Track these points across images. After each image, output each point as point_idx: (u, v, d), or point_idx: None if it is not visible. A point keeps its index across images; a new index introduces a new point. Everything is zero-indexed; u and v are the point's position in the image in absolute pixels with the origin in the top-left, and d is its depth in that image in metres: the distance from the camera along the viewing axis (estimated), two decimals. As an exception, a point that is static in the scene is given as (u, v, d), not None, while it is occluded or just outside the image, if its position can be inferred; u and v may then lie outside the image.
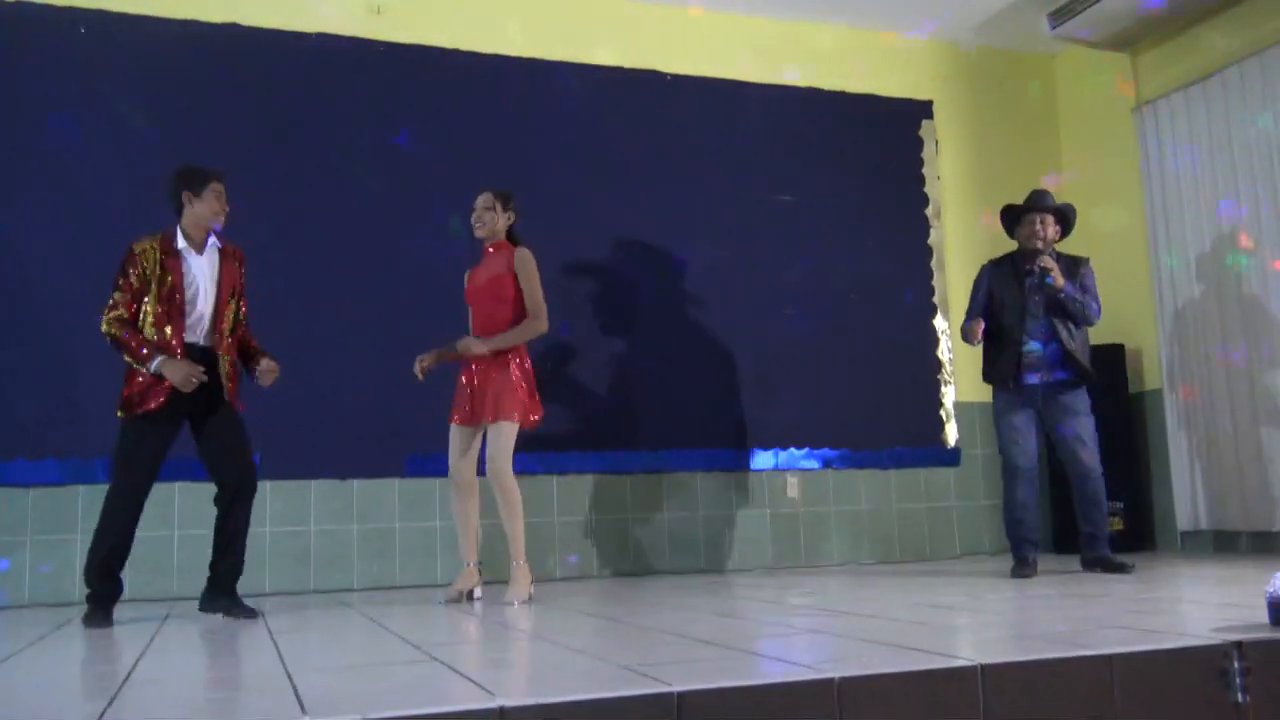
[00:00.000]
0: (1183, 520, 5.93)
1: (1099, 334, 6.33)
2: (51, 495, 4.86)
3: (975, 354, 6.50)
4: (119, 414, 3.89)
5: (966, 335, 4.70)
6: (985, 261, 5.02)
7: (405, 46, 5.65)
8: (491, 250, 4.39)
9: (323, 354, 5.24)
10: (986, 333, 4.73)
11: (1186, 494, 5.91)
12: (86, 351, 4.93)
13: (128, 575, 4.83)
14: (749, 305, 6.08)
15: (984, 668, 2.08)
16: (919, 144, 6.64)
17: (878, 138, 6.54)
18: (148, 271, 3.89)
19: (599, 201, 5.88)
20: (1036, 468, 4.73)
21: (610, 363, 5.78)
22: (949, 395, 6.44)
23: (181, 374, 3.80)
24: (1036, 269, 4.61)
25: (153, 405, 3.83)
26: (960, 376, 6.48)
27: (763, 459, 5.99)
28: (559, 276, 5.72)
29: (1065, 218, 4.83)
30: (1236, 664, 2.23)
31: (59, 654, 3.03)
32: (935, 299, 6.50)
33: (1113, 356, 6.18)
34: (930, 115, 6.70)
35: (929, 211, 6.59)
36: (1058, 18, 6.06)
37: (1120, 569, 4.49)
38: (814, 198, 6.32)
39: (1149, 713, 2.17)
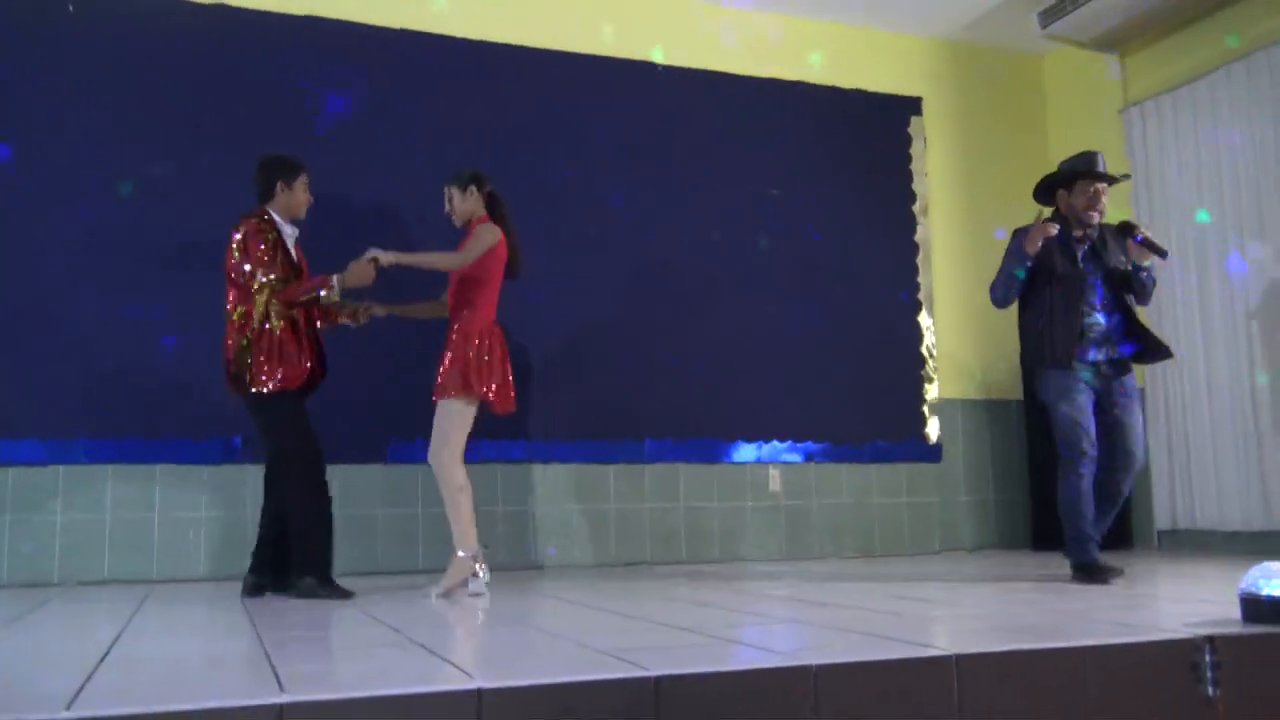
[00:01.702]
0: (1160, 519, 5.98)
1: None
2: (32, 475, 4.83)
3: (958, 350, 6.57)
4: (253, 391, 3.96)
5: (1012, 280, 4.20)
6: (1019, 228, 4.38)
7: (393, 31, 5.63)
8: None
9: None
10: (1032, 309, 4.24)
11: (1165, 494, 5.96)
12: (68, 331, 4.92)
13: (106, 558, 4.86)
14: (734, 298, 6.09)
15: (959, 657, 2.10)
16: (907, 140, 6.66)
17: (866, 133, 6.55)
18: (272, 242, 4.05)
19: (586, 191, 5.87)
20: (1095, 454, 4.14)
21: (594, 353, 5.78)
22: (931, 391, 6.47)
23: (362, 268, 3.97)
24: (1139, 237, 4.10)
25: (302, 377, 4.02)
26: (942, 373, 6.51)
27: (745, 451, 6.01)
28: (545, 266, 5.72)
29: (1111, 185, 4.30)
30: (1208, 658, 2.26)
31: (35, 633, 3.02)
32: (920, 295, 6.52)
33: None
34: (919, 112, 6.71)
35: (916, 208, 6.61)
36: (1048, 17, 6.08)
37: (1114, 573, 4.01)
38: (802, 192, 6.33)
39: (1122, 704, 2.19)
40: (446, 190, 4.34)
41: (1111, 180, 4.27)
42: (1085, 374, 4.16)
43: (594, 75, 5.98)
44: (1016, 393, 6.56)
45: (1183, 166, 5.95)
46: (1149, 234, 4.18)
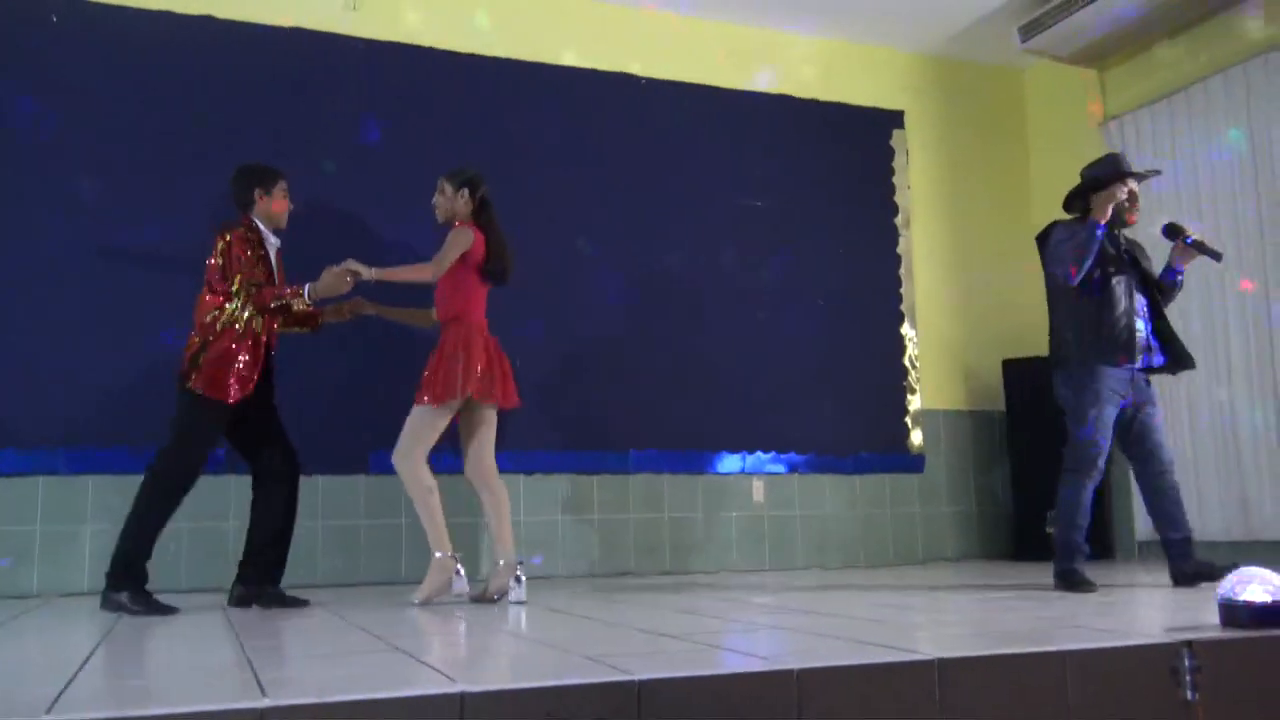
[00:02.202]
0: (1141, 531, 6.01)
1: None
2: (11, 485, 4.79)
3: (941, 361, 6.60)
4: (190, 387, 3.89)
5: (1084, 248, 4.04)
6: (1057, 221, 4.30)
7: (380, 43, 5.64)
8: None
9: (288, 349, 5.19)
10: (1074, 310, 4.15)
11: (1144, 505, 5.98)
12: (48, 340, 4.89)
13: (86, 569, 4.82)
14: (718, 309, 6.11)
15: (941, 661, 2.11)
16: (890, 153, 6.70)
17: (849, 146, 6.60)
18: (256, 250, 4.03)
19: (571, 203, 5.89)
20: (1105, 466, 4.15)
21: (578, 364, 5.79)
22: (914, 402, 6.50)
23: (336, 278, 3.98)
24: (1190, 239, 4.10)
25: (245, 392, 3.93)
26: (925, 384, 6.54)
27: (729, 462, 6.02)
28: (529, 277, 5.71)
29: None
30: (1187, 662, 2.27)
31: (14, 642, 3.00)
32: (903, 306, 6.56)
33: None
34: (901, 125, 6.76)
35: (898, 220, 6.65)
36: (1028, 32, 6.14)
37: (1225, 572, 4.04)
38: (785, 204, 6.36)
39: (1102, 708, 2.20)
40: (440, 183, 4.34)
41: (1141, 178, 4.24)
42: (1116, 388, 4.10)
43: (576, 88, 6.00)
44: (999, 403, 6.60)
45: (1160, 180, 6.00)
46: (1200, 236, 4.14)
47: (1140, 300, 4.17)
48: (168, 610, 3.70)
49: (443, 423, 4.11)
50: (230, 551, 4.98)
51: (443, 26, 5.79)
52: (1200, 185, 5.78)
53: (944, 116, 6.92)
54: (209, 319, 3.98)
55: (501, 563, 4.12)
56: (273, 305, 4.00)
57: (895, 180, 6.68)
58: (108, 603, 3.75)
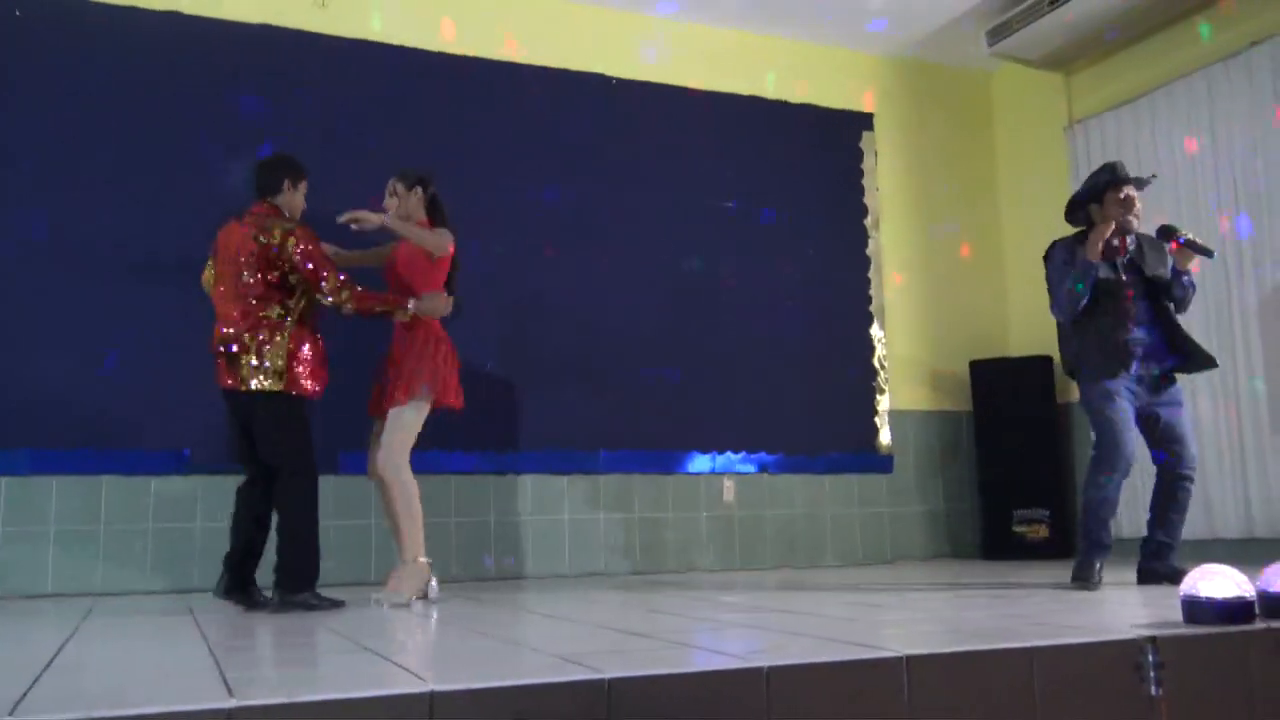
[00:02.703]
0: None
1: (1030, 345, 6.49)
2: (-28, 487, 4.73)
3: (909, 362, 6.65)
4: (284, 391, 3.86)
5: (1076, 294, 4.07)
6: (1057, 240, 4.31)
7: (349, 41, 5.61)
8: None
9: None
10: (1074, 322, 4.17)
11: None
12: (10, 341, 4.82)
13: (50, 571, 4.76)
14: (687, 310, 6.12)
15: (909, 658, 2.13)
16: (859, 155, 6.74)
17: (819, 148, 6.63)
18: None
19: (540, 203, 5.88)
20: (1130, 465, 4.11)
21: (547, 364, 5.78)
22: (883, 402, 6.54)
23: (440, 303, 4.08)
24: (1183, 239, 4.10)
25: (325, 384, 3.99)
26: (894, 384, 6.58)
27: (699, 462, 6.03)
28: (498, 276, 5.72)
29: (1142, 188, 4.26)
30: (1151, 658, 2.30)
31: (-23, 644, 2.96)
32: (872, 307, 6.60)
33: (1042, 367, 6.33)
34: (870, 127, 6.81)
35: (867, 222, 6.69)
36: (995, 36, 6.20)
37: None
38: (755, 205, 6.38)
39: (1068, 703, 2.23)
40: (391, 184, 4.29)
41: (1140, 183, 4.24)
42: (1129, 387, 4.10)
43: (548, 88, 6.00)
44: (966, 404, 6.65)
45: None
46: (1191, 235, 4.15)
47: (1142, 307, 4.13)
48: (341, 603, 3.83)
49: (423, 419, 4.08)
50: (196, 552, 4.95)
51: (410, 24, 5.77)
52: (1163, 188, 5.85)
53: (913, 119, 6.97)
54: (275, 317, 3.89)
55: (422, 560, 4.04)
56: (378, 310, 4.02)
57: (864, 182, 6.72)
58: (285, 605, 3.75)
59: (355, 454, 5.22)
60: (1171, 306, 4.18)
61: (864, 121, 6.79)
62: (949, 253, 6.89)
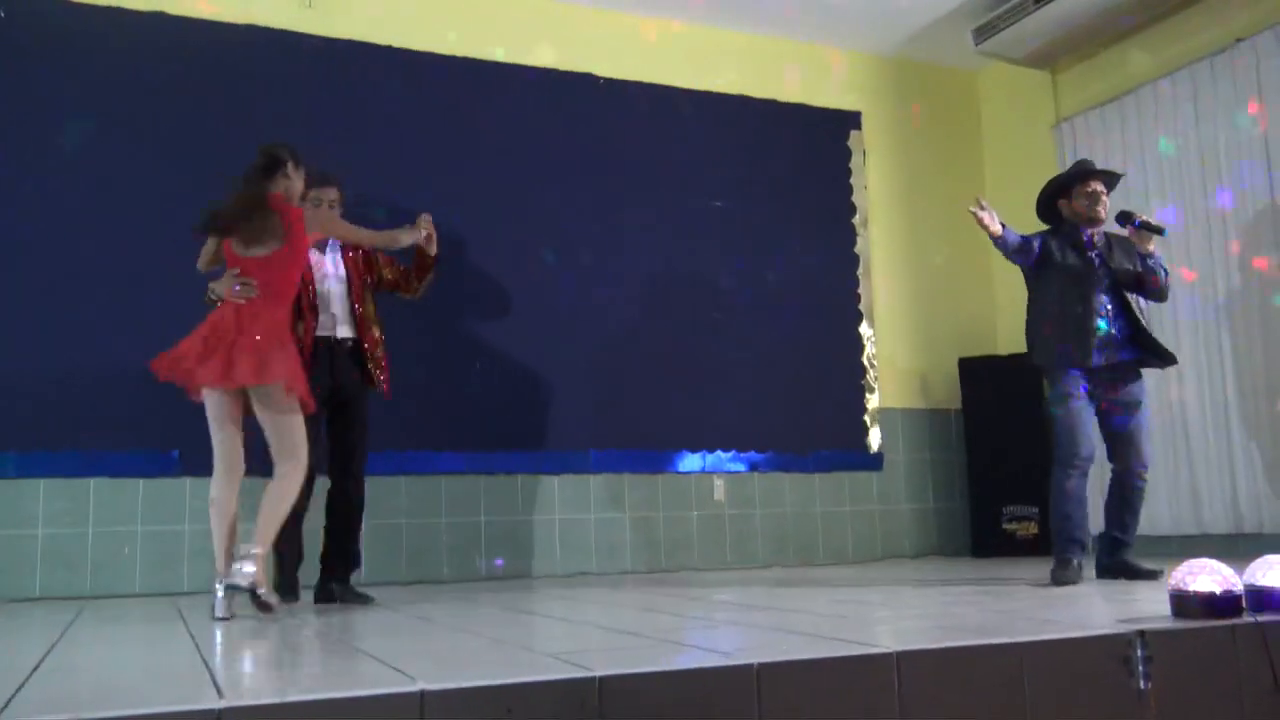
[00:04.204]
0: (1094, 524, 6.08)
1: (1019, 343, 6.50)
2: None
3: (898, 360, 6.66)
4: (379, 386, 4.21)
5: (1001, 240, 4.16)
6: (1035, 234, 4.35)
7: (336, 41, 5.59)
8: None
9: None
10: (1039, 308, 4.29)
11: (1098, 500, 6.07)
12: (-1, 343, 4.81)
13: (38, 574, 4.74)
14: (677, 309, 6.12)
15: (899, 654, 2.13)
16: (847, 154, 6.76)
17: (807, 147, 6.64)
18: None
19: (529, 202, 5.87)
20: (1090, 460, 4.20)
21: (537, 364, 5.77)
22: (872, 401, 6.55)
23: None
24: (1137, 221, 4.16)
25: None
26: (883, 383, 6.60)
27: (690, 461, 6.03)
28: (490, 275, 5.71)
29: (1112, 185, 4.34)
30: (1139, 652, 2.32)
31: (-35, 648, 2.94)
32: (861, 306, 6.61)
33: (1031, 365, 6.33)
34: (859, 126, 6.82)
35: (856, 220, 6.70)
36: (981, 34, 6.22)
37: (1150, 575, 4.04)
38: (744, 203, 6.39)
39: (1057, 697, 2.23)
40: (285, 166, 3.92)
41: (1109, 178, 4.32)
42: (1085, 380, 4.18)
43: (535, 88, 5.99)
44: (956, 402, 6.67)
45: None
46: (1145, 217, 4.21)
47: (1103, 300, 4.19)
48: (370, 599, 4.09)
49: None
50: (185, 555, 4.93)
51: (398, 24, 5.76)
52: (1149, 185, 5.88)
53: (901, 117, 6.98)
54: (375, 314, 4.25)
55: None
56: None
57: (853, 181, 6.73)
58: (349, 594, 4.08)
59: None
60: (1140, 301, 4.24)
61: (852, 120, 6.80)
62: (938, 251, 6.91)
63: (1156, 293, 4.26)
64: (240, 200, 3.68)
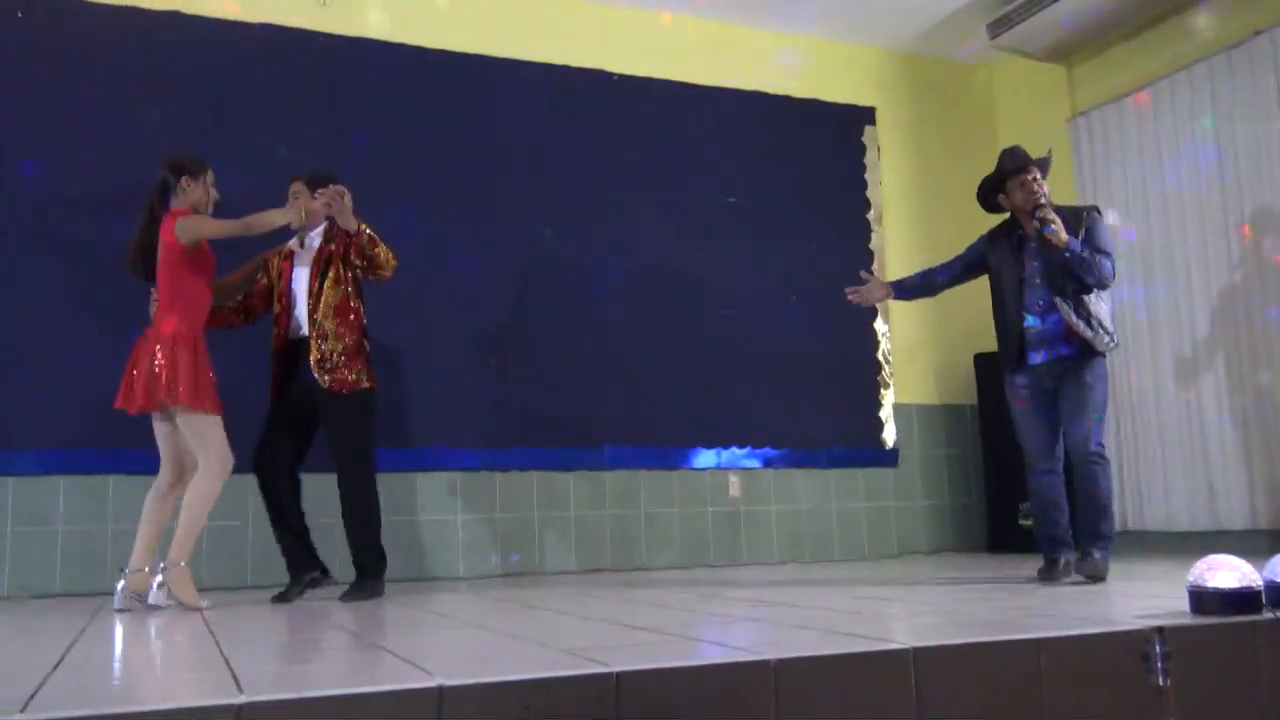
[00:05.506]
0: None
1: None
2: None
3: (913, 356, 6.64)
4: (368, 387, 4.22)
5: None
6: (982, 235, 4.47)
7: (350, 39, 5.61)
8: None
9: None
10: (993, 316, 4.32)
11: (1115, 497, 6.05)
12: (16, 341, 4.83)
13: (59, 571, 4.77)
14: (692, 306, 6.12)
15: (915, 650, 2.13)
16: (861, 149, 6.74)
17: (821, 142, 6.63)
18: None
19: (543, 199, 5.88)
20: (1054, 456, 4.14)
21: (553, 360, 5.78)
22: (888, 397, 6.54)
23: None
24: (1035, 220, 4.06)
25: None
26: (898, 379, 6.58)
27: (705, 458, 6.03)
28: (501, 273, 5.73)
29: (1045, 169, 4.29)
30: (1158, 648, 2.31)
31: (-14, 644, 2.97)
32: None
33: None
34: (873, 121, 6.80)
35: (870, 216, 6.69)
36: (996, 29, 6.20)
37: (1091, 579, 3.90)
38: (758, 200, 6.38)
39: (1074, 694, 2.23)
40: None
41: (1039, 164, 4.27)
42: (1032, 376, 4.16)
43: (549, 84, 6.00)
44: (971, 397, 6.65)
45: (1127, 174, 6.08)
46: (1040, 217, 4.03)
47: (1035, 296, 4.12)
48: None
49: None
50: (204, 550, 4.94)
51: (411, 23, 5.77)
52: (1166, 180, 5.85)
53: (915, 113, 6.96)
54: (351, 316, 4.22)
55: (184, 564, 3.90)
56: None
57: (867, 176, 6.72)
58: (368, 589, 4.12)
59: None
60: (1079, 289, 4.06)
61: (867, 116, 6.79)
62: (953, 246, 6.86)
63: (1090, 281, 4.04)
64: (137, 231, 4.10)
